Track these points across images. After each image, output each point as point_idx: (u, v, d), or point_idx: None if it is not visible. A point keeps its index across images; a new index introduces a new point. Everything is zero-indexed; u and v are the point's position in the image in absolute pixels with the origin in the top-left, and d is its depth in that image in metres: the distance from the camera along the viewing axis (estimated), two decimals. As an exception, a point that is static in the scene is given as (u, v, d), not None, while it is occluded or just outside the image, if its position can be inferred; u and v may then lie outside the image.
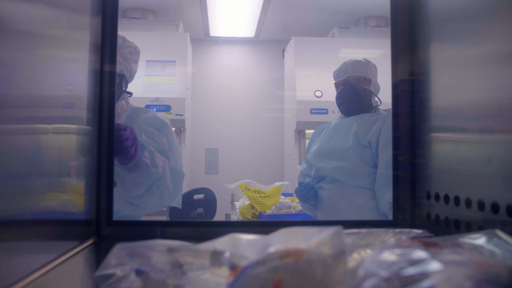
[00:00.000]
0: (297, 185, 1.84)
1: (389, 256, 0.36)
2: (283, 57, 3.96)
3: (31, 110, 0.58)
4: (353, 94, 1.79)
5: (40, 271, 0.58)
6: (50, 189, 0.65)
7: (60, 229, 0.70)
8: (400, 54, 0.87)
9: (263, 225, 1.09)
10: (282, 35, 3.91)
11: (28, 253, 0.58)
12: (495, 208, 0.57)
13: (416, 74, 0.84)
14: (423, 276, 0.33)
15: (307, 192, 1.77)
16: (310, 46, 3.50)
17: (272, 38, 4.26)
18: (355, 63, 1.81)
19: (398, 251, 0.37)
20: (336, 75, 1.88)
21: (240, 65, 4.43)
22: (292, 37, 3.55)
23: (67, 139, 0.72)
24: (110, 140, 0.86)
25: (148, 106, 3.11)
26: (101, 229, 0.84)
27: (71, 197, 0.74)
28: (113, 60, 0.87)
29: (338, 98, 1.85)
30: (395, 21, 0.88)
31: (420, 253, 0.36)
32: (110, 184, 0.85)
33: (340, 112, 1.91)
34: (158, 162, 1.38)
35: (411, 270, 0.33)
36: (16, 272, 0.53)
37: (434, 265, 0.33)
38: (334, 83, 1.90)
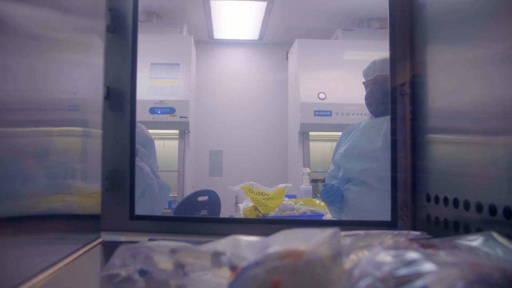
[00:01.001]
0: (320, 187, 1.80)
1: (384, 257, 0.37)
2: (287, 59, 3.97)
3: (45, 112, 0.60)
4: (381, 94, 1.70)
5: (51, 269, 0.59)
6: (64, 189, 0.66)
7: (74, 225, 0.73)
8: (399, 56, 0.88)
9: (266, 222, 1.09)
10: (286, 37, 3.92)
11: (46, 245, 0.61)
12: (492, 210, 0.58)
13: (415, 76, 0.84)
14: (417, 276, 0.34)
15: (332, 194, 1.71)
16: (313, 48, 3.51)
17: (275, 41, 4.27)
18: (384, 61, 1.70)
19: (393, 252, 0.38)
20: (365, 73, 1.80)
21: (244, 67, 4.44)
22: (296, 40, 3.56)
23: (81, 141, 0.74)
24: (132, 139, 0.90)
25: (152, 109, 3.13)
26: (124, 222, 0.88)
27: (77, 199, 0.76)
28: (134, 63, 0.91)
29: (366, 98, 1.77)
30: (394, 24, 0.88)
31: (414, 254, 0.37)
32: (132, 180, 0.91)
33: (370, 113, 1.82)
34: (148, 169, 1.47)
35: (404, 271, 0.34)
36: (27, 269, 0.54)
37: (427, 266, 0.34)
38: (363, 82, 1.82)
